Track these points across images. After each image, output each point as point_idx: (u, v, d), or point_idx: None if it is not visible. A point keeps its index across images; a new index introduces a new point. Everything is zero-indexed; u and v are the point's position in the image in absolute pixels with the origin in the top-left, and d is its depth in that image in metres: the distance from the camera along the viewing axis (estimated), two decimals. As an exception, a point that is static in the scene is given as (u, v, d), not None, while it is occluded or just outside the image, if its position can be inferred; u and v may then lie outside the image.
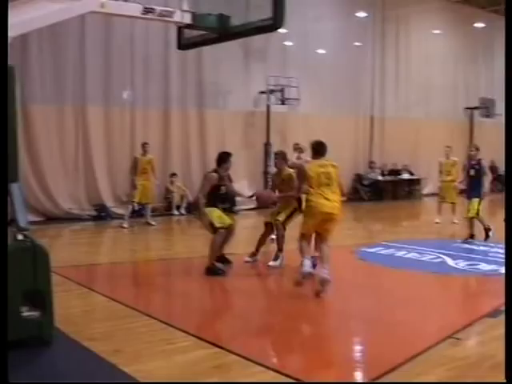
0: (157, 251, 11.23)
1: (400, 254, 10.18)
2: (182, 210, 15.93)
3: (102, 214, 15.01)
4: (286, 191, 8.96)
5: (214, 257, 8.59)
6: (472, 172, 11.65)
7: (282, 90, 17.90)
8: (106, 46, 15.22)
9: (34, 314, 4.90)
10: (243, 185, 16.61)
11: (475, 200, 11.41)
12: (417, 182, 22.66)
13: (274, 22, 6.12)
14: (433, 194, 23.05)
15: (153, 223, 14.05)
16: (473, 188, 11.62)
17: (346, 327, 6.26)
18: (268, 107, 18.09)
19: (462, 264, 9.30)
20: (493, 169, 23.41)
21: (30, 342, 4.98)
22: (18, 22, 5.32)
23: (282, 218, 9.05)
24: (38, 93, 14.26)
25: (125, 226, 13.59)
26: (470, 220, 11.53)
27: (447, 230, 13.69)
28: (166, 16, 6.38)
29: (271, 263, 9.06)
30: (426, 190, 22.69)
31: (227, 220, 8.61)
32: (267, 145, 18.09)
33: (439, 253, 10.09)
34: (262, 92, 17.95)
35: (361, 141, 21.50)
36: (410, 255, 10.04)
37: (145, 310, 6.63)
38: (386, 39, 21.86)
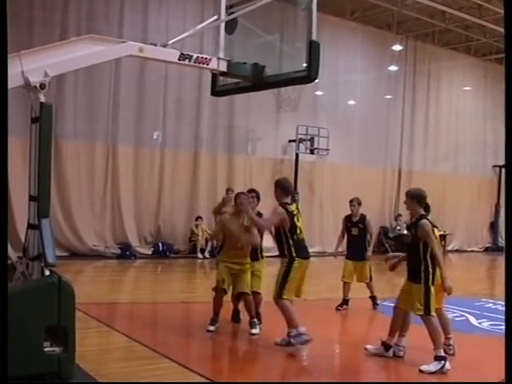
0: (178, 293, 11.20)
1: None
2: (206, 254, 15.91)
3: (126, 253, 15.12)
4: None
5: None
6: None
7: (311, 140, 18.02)
8: (140, 87, 15.56)
9: (56, 349, 4.90)
10: (267, 234, 16.63)
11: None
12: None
13: (309, 74, 6.15)
14: (457, 251, 22.85)
15: None
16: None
17: None
18: (297, 156, 18.21)
19: (485, 324, 9.16)
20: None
21: (49, 377, 4.95)
22: (58, 62, 5.45)
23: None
24: (70, 129, 14.60)
25: None
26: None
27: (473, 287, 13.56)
28: (202, 63, 6.49)
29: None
30: (450, 246, 22.41)
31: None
32: (294, 193, 18.11)
33: (463, 311, 9.94)
34: (292, 140, 18.09)
35: (388, 193, 21.42)
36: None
37: (163, 351, 6.59)
38: (416, 93, 21.99)
